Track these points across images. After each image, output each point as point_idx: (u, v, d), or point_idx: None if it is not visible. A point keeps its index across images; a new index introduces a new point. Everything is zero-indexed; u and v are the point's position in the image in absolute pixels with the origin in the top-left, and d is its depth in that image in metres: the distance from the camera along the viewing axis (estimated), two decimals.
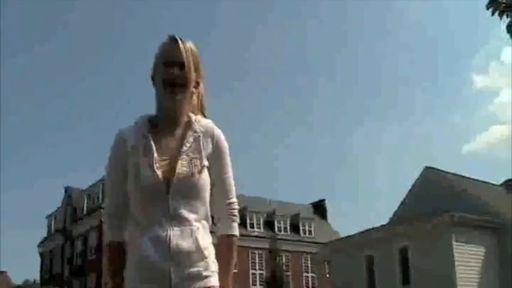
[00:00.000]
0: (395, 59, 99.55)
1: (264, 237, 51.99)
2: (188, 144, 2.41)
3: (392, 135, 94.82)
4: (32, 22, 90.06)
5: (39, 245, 64.05)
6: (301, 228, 58.95)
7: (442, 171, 32.00)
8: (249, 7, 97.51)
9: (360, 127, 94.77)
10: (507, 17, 6.70)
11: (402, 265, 27.06)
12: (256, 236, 53.97)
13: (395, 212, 33.40)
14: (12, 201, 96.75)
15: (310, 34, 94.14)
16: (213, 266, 2.36)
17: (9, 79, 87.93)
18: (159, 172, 2.33)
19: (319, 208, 65.20)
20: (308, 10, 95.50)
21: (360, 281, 28.80)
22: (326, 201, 65.99)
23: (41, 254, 63.50)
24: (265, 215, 57.36)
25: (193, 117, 2.50)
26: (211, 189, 2.44)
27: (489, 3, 6.71)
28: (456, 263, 24.71)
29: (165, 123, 2.47)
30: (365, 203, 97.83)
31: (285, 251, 51.30)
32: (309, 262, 55.81)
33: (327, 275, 36.87)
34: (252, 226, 55.60)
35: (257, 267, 53.46)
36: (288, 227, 58.07)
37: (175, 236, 2.28)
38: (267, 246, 47.78)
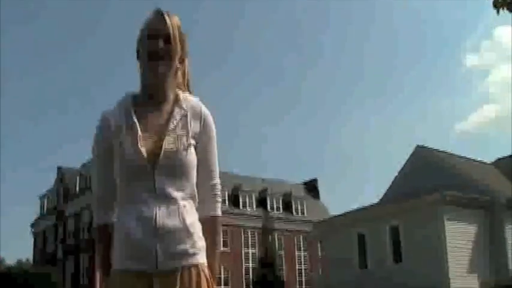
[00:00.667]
0: (386, 38, 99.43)
1: (257, 216, 52.14)
2: (175, 122, 2.36)
3: (384, 115, 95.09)
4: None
5: (31, 225, 64.05)
6: (293, 207, 59.13)
7: (434, 150, 32.06)
8: None
9: (352, 106, 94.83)
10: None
11: (394, 243, 27.18)
12: (248, 215, 54.14)
13: (387, 190, 33.50)
14: (4, 181, 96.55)
15: (300, 14, 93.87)
16: (200, 242, 2.34)
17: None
18: (144, 149, 2.29)
19: (312, 187, 65.39)
20: None
21: (351, 259, 28.92)
22: (318, 180, 66.21)
23: (34, 234, 63.52)
24: (257, 194, 57.48)
25: (180, 94, 2.46)
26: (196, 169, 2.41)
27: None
28: (447, 241, 24.82)
29: (150, 99, 2.42)
30: (357, 182, 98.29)
31: (278, 229, 51.49)
32: (302, 241, 56.05)
33: (320, 254, 36.98)
34: (244, 205, 55.72)
35: (250, 246, 53.66)
36: (281, 206, 58.22)
37: (161, 214, 2.25)
38: (259, 225, 47.94)
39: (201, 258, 2.34)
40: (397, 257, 26.95)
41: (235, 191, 55.57)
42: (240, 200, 55.62)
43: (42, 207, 62.98)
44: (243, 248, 53.50)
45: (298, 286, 54.49)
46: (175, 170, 2.32)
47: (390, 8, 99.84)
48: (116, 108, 2.45)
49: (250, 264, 51.50)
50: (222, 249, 48.68)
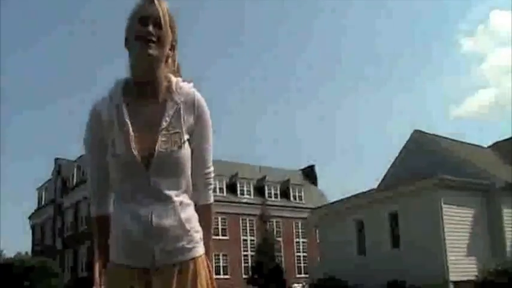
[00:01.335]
0: (382, 23, 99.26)
1: (255, 204, 52.19)
2: (168, 119, 2.30)
3: (381, 100, 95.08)
4: None
5: (30, 217, 64.11)
6: (291, 194, 59.22)
7: (431, 134, 32.04)
8: None
9: (348, 91, 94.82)
10: None
11: (392, 229, 27.23)
12: (246, 203, 54.21)
13: (385, 175, 33.50)
14: (2, 174, 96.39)
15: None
16: (197, 235, 2.32)
17: None
18: (136, 150, 2.25)
19: (309, 173, 65.46)
20: None
21: (350, 245, 29.00)
22: (316, 167, 66.27)
23: (32, 226, 63.63)
24: (255, 182, 57.55)
25: (173, 81, 2.38)
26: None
27: None
28: (445, 226, 24.85)
29: (141, 87, 2.35)
30: (355, 168, 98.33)
31: (276, 216, 51.54)
32: (300, 227, 56.17)
33: (318, 240, 37.04)
34: (242, 193, 55.82)
35: (248, 234, 53.79)
36: (279, 193, 58.32)
37: (156, 214, 2.22)
38: (257, 212, 48.00)
39: (199, 251, 2.33)
40: (395, 242, 27.00)
41: (232, 179, 55.66)
42: (238, 188, 55.70)
43: (40, 199, 63.03)
44: (241, 236, 53.64)
45: (296, 272, 54.61)
46: (170, 169, 2.28)
47: None
48: (107, 100, 2.38)
49: (249, 252, 51.60)
50: (221, 237, 49.09)
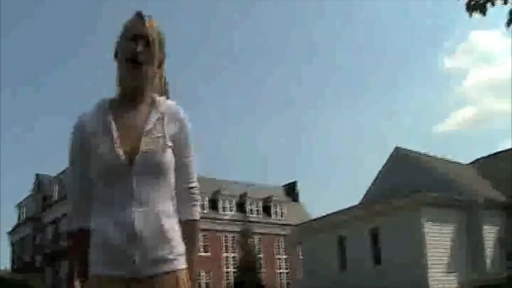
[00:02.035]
0: (364, 40, 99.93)
1: (236, 220, 52.10)
2: (151, 124, 2.33)
3: (363, 116, 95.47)
4: None
5: (9, 233, 63.48)
6: (273, 210, 59.19)
7: (412, 151, 32.25)
8: None
9: (329, 107, 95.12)
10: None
11: (373, 245, 27.27)
12: (228, 219, 54.09)
13: (366, 192, 33.62)
14: None
15: (272, 13, 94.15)
16: (179, 247, 2.31)
17: None
18: (121, 150, 2.27)
19: (291, 190, 65.48)
20: None
21: (331, 261, 28.97)
22: (298, 183, 66.32)
23: (12, 243, 62.97)
24: (237, 198, 57.44)
25: (157, 97, 2.44)
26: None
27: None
28: (426, 242, 24.96)
29: (127, 102, 2.40)
30: (336, 185, 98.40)
31: (257, 233, 51.48)
32: (282, 244, 56.11)
33: (300, 257, 37.02)
34: (224, 209, 55.69)
35: (229, 250, 53.61)
36: (260, 210, 58.24)
37: (139, 218, 2.22)
38: (239, 229, 47.92)
39: (180, 265, 2.31)
40: (377, 258, 27.03)
41: (214, 196, 55.54)
42: (220, 205, 55.57)
43: (20, 215, 62.46)
44: (222, 252, 53.45)
45: None
46: (153, 172, 2.28)
47: (368, 9, 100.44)
48: (93, 111, 2.42)
49: (231, 269, 51.44)
50: (202, 254, 48.89)
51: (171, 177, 2.36)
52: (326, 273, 28.79)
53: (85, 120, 2.40)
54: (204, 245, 50.95)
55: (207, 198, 53.62)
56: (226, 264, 53.13)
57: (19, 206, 62.56)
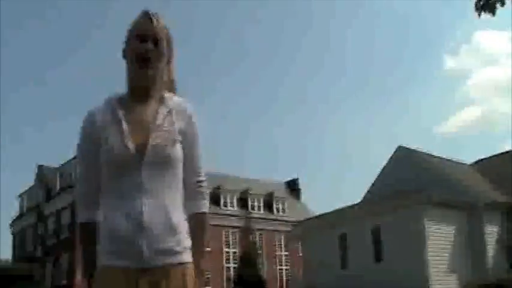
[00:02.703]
0: (367, 39, 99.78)
1: (238, 216, 52.07)
2: (161, 119, 2.38)
3: (366, 116, 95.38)
4: None
5: (11, 224, 63.56)
6: (274, 206, 59.13)
7: (415, 150, 32.22)
8: None
9: (333, 106, 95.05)
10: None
11: (375, 243, 27.25)
12: (229, 215, 54.05)
13: (368, 190, 33.64)
14: None
15: (280, 13, 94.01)
16: (186, 241, 2.34)
17: None
18: (130, 143, 2.30)
19: (293, 186, 65.43)
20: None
21: (333, 259, 28.96)
22: (299, 180, 66.30)
23: (13, 234, 63.03)
24: (239, 194, 57.39)
25: (165, 94, 2.47)
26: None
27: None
28: (428, 241, 24.95)
29: (137, 98, 2.43)
30: (339, 182, 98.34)
31: (259, 229, 51.47)
32: (282, 241, 56.07)
33: (300, 254, 37.00)
34: (225, 205, 55.64)
35: (230, 246, 53.61)
36: (262, 206, 58.20)
37: (147, 210, 2.25)
38: (240, 224, 47.88)
39: (187, 258, 2.34)
40: (378, 256, 27.02)
41: (216, 191, 55.50)
42: (221, 200, 55.53)
43: (21, 206, 62.49)
44: (223, 248, 53.43)
45: (279, 286, 54.51)
46: (162, 164, 2.32)
47: (370, 9, 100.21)
48: (102, 106, 2.45)
49: (231, 264, 51.44)
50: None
51: (180, 171, 2.40)
52: (327, 270, 28.78)
53: (95, 114, 2.43)
54: None
55: (208, 193, 53.53)
56: (227, 259, 53.12)
57: (21, 196, 62.58)
